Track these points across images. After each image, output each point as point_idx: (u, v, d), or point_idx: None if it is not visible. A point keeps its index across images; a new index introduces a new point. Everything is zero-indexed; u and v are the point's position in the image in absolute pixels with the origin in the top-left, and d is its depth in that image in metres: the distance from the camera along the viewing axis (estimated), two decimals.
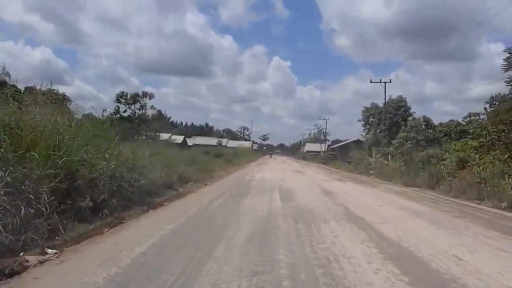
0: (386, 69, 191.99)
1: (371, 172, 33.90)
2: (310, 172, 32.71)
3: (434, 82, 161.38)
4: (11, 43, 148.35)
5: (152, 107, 59.20)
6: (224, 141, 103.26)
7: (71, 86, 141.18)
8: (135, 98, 58.59)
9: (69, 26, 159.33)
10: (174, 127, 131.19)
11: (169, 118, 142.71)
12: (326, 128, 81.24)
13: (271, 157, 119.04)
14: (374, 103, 48.77)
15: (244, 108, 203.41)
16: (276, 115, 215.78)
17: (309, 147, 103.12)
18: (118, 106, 59.98)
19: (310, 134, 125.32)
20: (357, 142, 61.31)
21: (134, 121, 58.60)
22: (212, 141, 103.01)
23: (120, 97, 58.25)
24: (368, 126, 49.39)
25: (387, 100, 45.10)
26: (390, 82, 40.11)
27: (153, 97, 58.63)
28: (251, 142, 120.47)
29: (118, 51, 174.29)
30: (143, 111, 59.43)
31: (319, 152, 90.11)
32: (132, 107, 60.53)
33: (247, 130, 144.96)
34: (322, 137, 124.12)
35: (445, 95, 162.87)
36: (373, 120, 48.09)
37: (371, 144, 38.40)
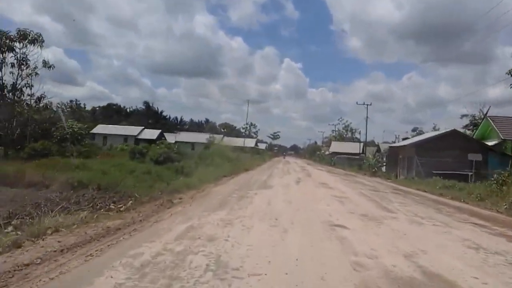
0: (398, 71, 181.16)
1: None
2: None
3: (447, 85, 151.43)
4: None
5: (45, 62, 28.72)
6: (218, 138, 73.47)
7: (83, 87, 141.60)
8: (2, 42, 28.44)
9: (79, 27, 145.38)
10: (160, 121, 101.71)
11: (161, 112, 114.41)
12: (367, 118, 50.09)
13: (284, 158, 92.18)
14: None
15: (255, 109, 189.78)
16: (288, 116, 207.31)
17: (336, 147, 71.47)
18: None
19: (333, 131, 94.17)
20: (453, 136, 30.33)
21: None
22: (202, 137, 74.16)
23: None
24: None
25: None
26: None
27: (42, 41, 27.81)
28: (255, 140, 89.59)
29: (128, 52, 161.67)
30: (24, 70, 28.90)
31: (354, 154, 59.02)
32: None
33: (254, 127, 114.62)
34: (350, 134, 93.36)
35: (458, 98, 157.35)
36: None
37: None
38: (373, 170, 36.80)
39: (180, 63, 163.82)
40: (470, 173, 27.60)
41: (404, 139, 67.02)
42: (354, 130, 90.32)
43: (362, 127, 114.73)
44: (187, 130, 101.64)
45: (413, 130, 77.81)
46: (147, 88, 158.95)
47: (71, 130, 27.35)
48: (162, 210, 10.11)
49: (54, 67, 28.75)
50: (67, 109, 65.83)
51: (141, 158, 25.25)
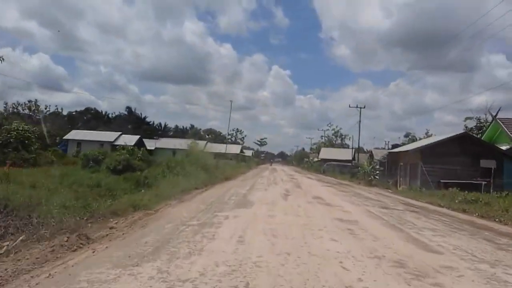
0: (385, 79, 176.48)
1: None
2: None
3: (434, 93, 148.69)
4: (8, 50, 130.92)
5: None
6: (202, 144, 68.91)
7: (70, 94, 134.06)
8: None
9: (67, 33, 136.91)
10: (142, 126, 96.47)
11: (144, 118, 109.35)
12: (360, 122, 46.07)
13: (271, 165, 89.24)
14: None
15: (243, 116, 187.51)
16: (275, 123, 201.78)
17: (326, 153, 67.29)
18: None
19: (322, 137, 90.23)
20: (463, 140, 26.49)
21: None
22: (185, 143, 69.55)
23: None
24: None
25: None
26: None
27: None
28: (240, 147, 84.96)
29: (116, 59, 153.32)
30: None
31: (345, 161, 55.12)
32: None
33: (240, 133, 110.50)
34: (339, 140, 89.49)
35: (445, 106, 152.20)
36: None
37: None
38: (370, 178, 32.79)
39: (168, 70, 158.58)
40: (484, 182, 23.79)
41: (393, 145, 63.34)
42: (344, 136, 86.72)
43: (351, 134, 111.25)
44: (171, 136, 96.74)
45: (406, 135, 74.38)
46: (134, 94, 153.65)
47: (14, 133, 22.60)
48: (53, 259, 5.77)
49: (3, 59, 24.13)
50: (24, 110, 59.73)
51: (96, 167, 20.75)
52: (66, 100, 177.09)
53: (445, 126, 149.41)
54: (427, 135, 68.95)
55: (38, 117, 59.73)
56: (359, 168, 36.94)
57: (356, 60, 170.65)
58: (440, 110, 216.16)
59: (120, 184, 17.20)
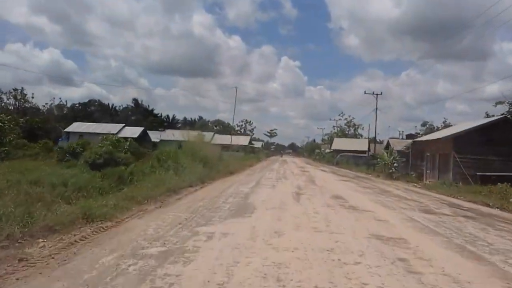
0: (396, 69, 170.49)
1: None
2: None
3: (446, 82, 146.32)
4: (19, 45, 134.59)
5: None
6: (209, 136, 65.79)
7: (81, 88, 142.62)
8: None
9: (76, 28, 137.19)
10: (149, 118, 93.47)
11: (152, 110, 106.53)
12: (376, 110, 42.33)
13: (281, 157, 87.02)
14: None
15: (252, 108, 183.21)
16: (285, 115, 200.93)
17: (339, 144, 63.34)
18: None
19: (334, 127, 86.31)
20: (503, 126, 22.76)
21: None
22: (192, 135, 66.23)
23: None
24: None
25: None
26: None
27: None
28: (249, 138, 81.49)
29: (125, 52, 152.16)
30: None
31: (360, 152, 51.50)
32: None
33: (250, 124, 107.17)
34: (352, 131, 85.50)
35: (457, 95, 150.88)
36: None
37: None
38: (390, 171, 29.26)
39: (178, 63, 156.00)
40: None
41: (408, 135, 59.38)
42: (357, 126, 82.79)
43: (364, 123, 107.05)
44: (179, 128, 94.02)
45: (423, 125, 70.34)
46: (145, 88, 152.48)
47: None
48: None
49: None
50: (8, 100, 56.09)
51: (73, 160, 17.65)
52: (77, 94, 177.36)
53: (458, 115, 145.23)
54: (445, 124, 64.93)
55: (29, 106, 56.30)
56: (378, 159, 33.38)
57: (366, 50, 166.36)
58: (452, 99, 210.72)
59: (94, 181, 14.04)
